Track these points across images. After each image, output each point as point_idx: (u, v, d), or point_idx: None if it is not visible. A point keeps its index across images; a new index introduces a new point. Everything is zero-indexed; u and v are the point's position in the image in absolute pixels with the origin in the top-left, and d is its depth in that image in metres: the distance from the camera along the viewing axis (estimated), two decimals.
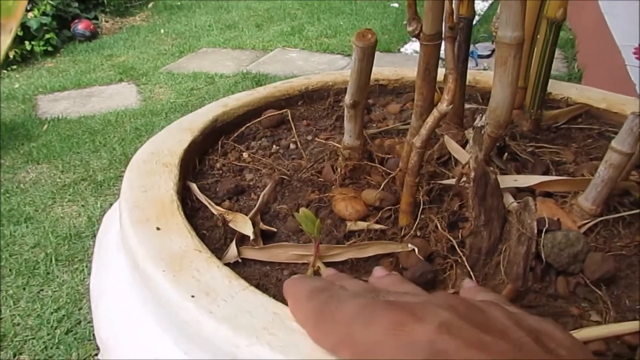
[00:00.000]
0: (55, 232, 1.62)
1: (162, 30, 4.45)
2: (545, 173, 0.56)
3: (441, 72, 0.52)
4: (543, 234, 0.44)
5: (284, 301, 0.36)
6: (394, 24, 4.01)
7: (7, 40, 2.06)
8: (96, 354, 1.17)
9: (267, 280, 0.42)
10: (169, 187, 0.49)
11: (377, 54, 0.43)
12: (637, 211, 0.49)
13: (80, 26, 4.26)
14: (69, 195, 1.85)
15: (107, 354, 0.41)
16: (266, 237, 0.48)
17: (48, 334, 1.25)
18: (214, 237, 0.47)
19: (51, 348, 1.21)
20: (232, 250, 0.44)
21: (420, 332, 0.25)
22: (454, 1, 0.43)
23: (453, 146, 0.54)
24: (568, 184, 0.50)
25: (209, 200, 0.50)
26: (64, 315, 1.30)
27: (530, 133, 0.63)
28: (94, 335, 1.24)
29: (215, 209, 0.49)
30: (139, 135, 2.35)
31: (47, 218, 1.72)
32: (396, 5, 4.69)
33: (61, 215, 1.74)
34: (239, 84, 3.02)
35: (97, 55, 3.79)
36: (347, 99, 0.47)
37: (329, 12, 4.58)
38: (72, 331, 1.26)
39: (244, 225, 0.45)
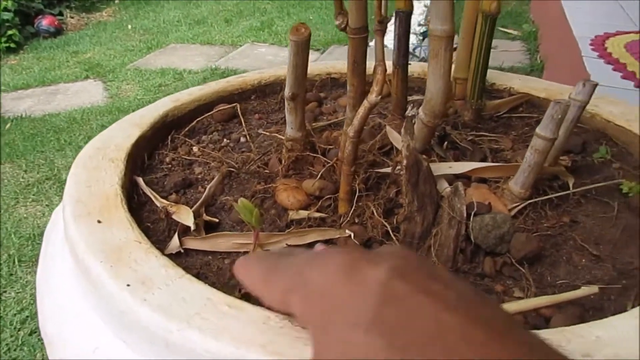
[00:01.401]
0: (19, 233, 1.60)
1: (129, 26, 4.38)
2: (483, 160, 0.58)
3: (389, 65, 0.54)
4: (472, 217, 0.46)
5: (221, 288, 0.38)
6: None
7: None
8: None
9: (207, 269, 0.44)
10: (113, 181, 0.50)
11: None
12: (563, 193, 0.52)
13: (44, 22, 4.15)
14: (33, 195, 1.82)
15: (51, 348, 0.42)
16: (211, 228, 0.49)
17: (11, 336, 1.24)
18: (158, 229, 0.48)
19: (14, 350, 1.20)
20: (175, 241, 0.45)
21: (372, 275, 0.24)
22: None
23: (394, 136, 0.56)
24: (500, 170, 0.53)
25: (154, 193, 0.51)
26: (27, 317, 1.28)
27: (472, 122, 0.65)
28: None
29: (160, 202, 0.50)
30: None
31: (10, 218, 1.68)
32: None
33: (24, 215, 1.71)
34: (207, 80, 3.00)
35: (62, 52, 3.71)
36: (286, 91, 0.49)
37: (299, 7, 4.57)
38: (36, 332, 1.24)
39: (186, 216, 0.46)
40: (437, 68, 0.50)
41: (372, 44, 0.64)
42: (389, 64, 0.62)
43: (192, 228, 0.45)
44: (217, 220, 0.49)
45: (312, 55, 3.56)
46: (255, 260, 0.31)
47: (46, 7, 4.34)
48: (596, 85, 0.51)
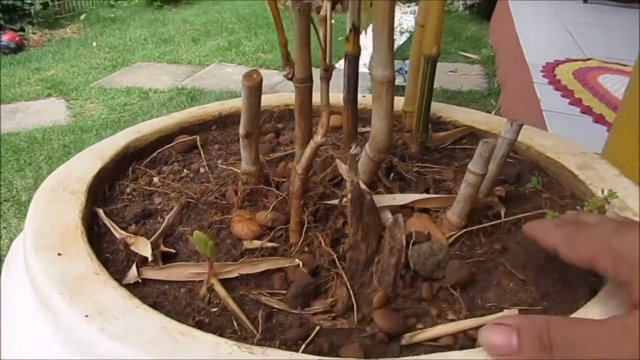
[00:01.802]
0: None
1: (94, 43, 4.35)
2: (427, 190, 0.63)
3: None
4: (411, 245, 0.51)
5: (175, 316, 0.41)
6: None
7: None
8: None
9: (164, 297, 0.46)
10: (74, 214, 0.52)
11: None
12: (495, 222, 0.57)
13: (5, 37, 4.08)
14: None
15: None
16: (168, 258, 0.52)
17: None
18: (117, 259, 0.50)
19: None
20: (133, 272, 0.47)
21: None
22: (327, 49, 0.50)
23: (344, 168, 0.61)
24: (439, 201, 0.58)
25: (114, 225, 0.54)
26: None
27: (417, 154, 0.71)
28: None
29: (119, 233, 0.52)
30: (68, 152, 2.29)
31: None
32: (332, 20, 4.82)
33: None
34: (173, 100, 3.01)
35: (23, 69, 3.65)
36: (241, 130, 0.52)
37: (267, 27, 4.65)
38: None
39: (144, 247, 0.49)
40: (381, 109, 0.54)
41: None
42: (340, 99, 0.66)
43: (150, 259, 0.48)
44: (174, 250, 0.52)
45: (279, 76, 3.60)
46: (552, 225, 0.41)
47: (7, 22, 4.27)
48: (522, 125, 0.57)
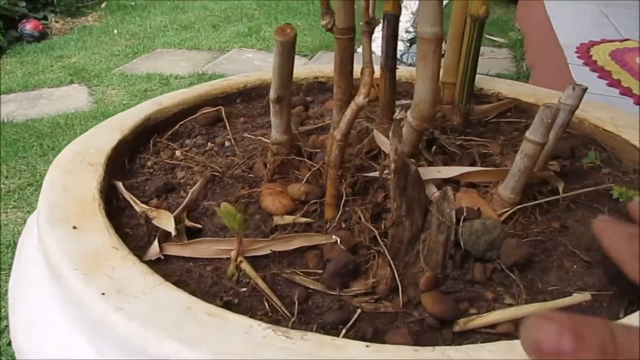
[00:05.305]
0: None
1: (115, 31, 4.34)
2: (472, 165, 0.57)
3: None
4: (462, 222, 0.45)
5: (201, 296, 0.36)
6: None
7: None
8: None
9: (188, 276, 0.42)
10: (92, 186, 0.48)
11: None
12: (553, 198, 0.51)
13: (28, 26, 4.10)
14: (14, 201, 1.78)
15: (22, 357, 0.40)
16: (193, 234, 0.47)
17: None
18: (138, 234, 0.46)
19: None
20: (154, 247, 0.43)
21: None
22: None
23: (382, 140, 0.55)
24: (490, 174, 0.52)
25: (134, 198, 0.49)
26: (6, 326, 1.25)
27: (460, 127, 0.65)
28: None
29: (139, 207, 0.48)
30: None
31: None
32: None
33: (5, 222, 1.67)
34: (194, 85, 2.97)
35: (46, 56, 3.66)
36: (271, 94, 0.47)
37: (287, 13, 4.57)
38: None
39: (166, 221, 0.45)
40: (426, 71, 0.49)
41: (360, 50, 0.63)
42: (377, 68, 0.61)
43: (173, 234, 0.44)
44: (199, 226, 0.47)
45: (300, 61, 3.55)
46: (625, 234, 0.28)
47: (30, 11, 4.29)
48: (586, 89, 0.51)
